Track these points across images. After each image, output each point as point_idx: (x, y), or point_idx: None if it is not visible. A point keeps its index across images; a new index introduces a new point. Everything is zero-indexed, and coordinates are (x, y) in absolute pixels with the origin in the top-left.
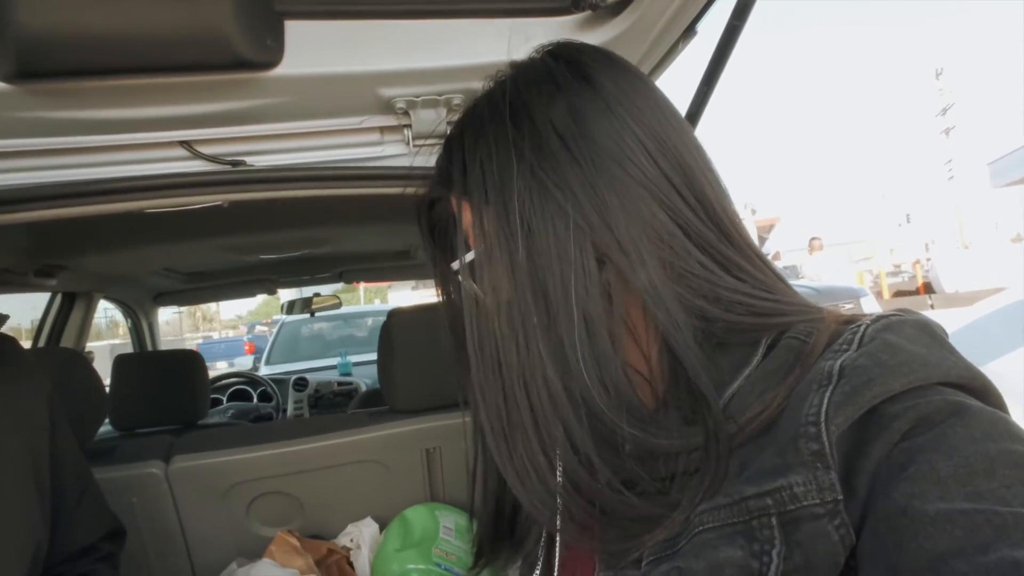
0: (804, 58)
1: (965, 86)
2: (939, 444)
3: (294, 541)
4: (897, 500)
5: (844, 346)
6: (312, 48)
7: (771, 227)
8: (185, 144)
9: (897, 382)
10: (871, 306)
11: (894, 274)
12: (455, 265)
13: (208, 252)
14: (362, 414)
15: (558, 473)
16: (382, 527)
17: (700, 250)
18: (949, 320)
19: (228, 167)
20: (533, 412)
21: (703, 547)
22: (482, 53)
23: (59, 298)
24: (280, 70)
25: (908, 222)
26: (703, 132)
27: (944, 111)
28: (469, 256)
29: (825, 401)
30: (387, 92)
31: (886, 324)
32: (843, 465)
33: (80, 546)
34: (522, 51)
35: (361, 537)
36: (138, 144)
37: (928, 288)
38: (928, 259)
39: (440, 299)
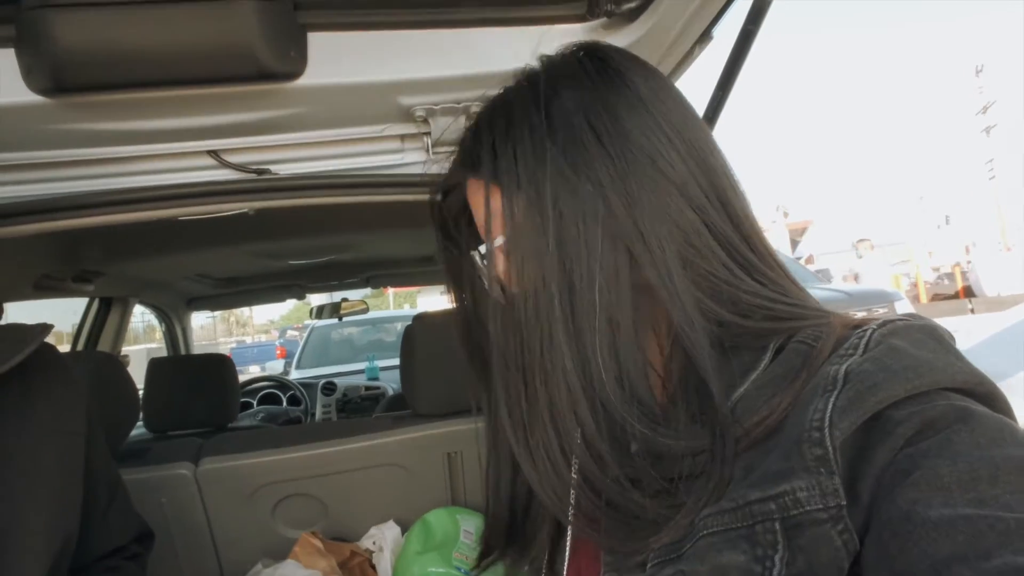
0: (838, 59)
1: (1006, 83)
2: (943, 450)
3: (318, 543)
4: (901, 505)
5: (850, 351)
6: (334, 58)
7: (804, 230)
8: (213, 153)
9: (902, 387)
10: (906, 310)
11: (936, 278)
12: (481, 249)
13: (238, 258)
14: (385, 418)
15: (573, 466)
16: (404, 530)
17: (724, 251)
18: (990, 324)
19: (253, 175)
20: (551, 403)
21: (707, 551)
22: (500, 61)
23: (96, 303)
24: (303, 80)
25: (947, 224)
26: (719, 136)
27: (984, 109)
28: (498, 241)
29: (829, 406)
30: (407, 100)
31: (892, 329)
32: (848, 470)
33: (109, 548)
34: (534, 60)
35: (383, 540)
36: (168, 154)
37: (968, 292)
38: (968, 262)
39: (451, 297)
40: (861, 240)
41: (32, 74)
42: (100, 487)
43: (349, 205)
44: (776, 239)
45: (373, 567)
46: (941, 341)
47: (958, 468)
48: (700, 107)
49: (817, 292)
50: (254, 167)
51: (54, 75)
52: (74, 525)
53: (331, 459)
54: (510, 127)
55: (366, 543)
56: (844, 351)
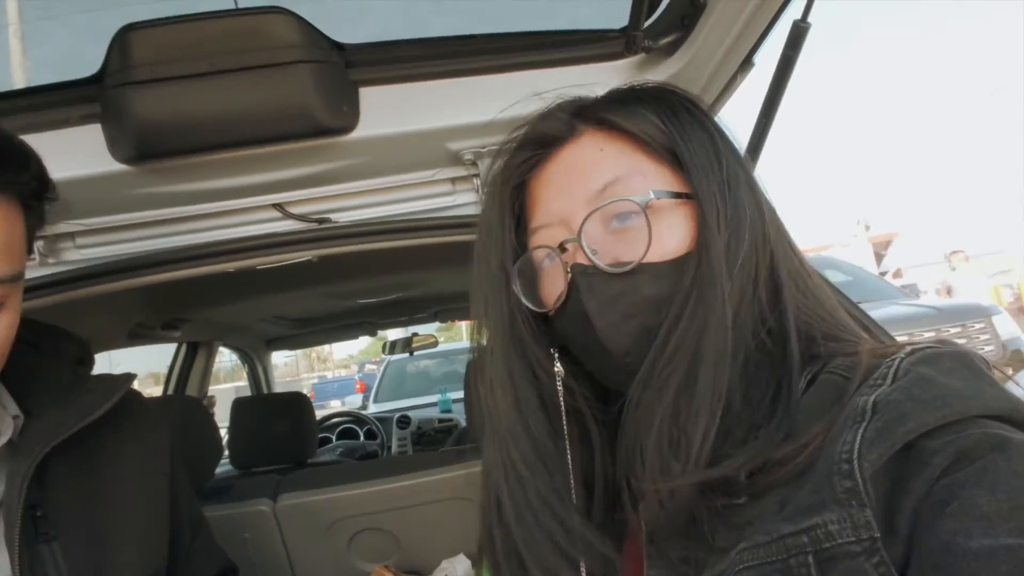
0: (920, 63)
1: None
2: (981, 479)
3: None
4: (941, 537)
5: (879, 381)
6: (385, 110)
7: (888, 243)
8: (277, 206)
9: (931, 416)
10: (1005, 325)
11: None
12: (658, 200)
13: (311, 299)
14: (451, 452)
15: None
16: (474, 563)
17: (789, 262)
18: None
19: (315, 225)
20: (690, 374)
21: None
22: (543, 102)
23: (184, 347)
24: (357, 133)
25: None
26: (772, 155)
27: None
28: (658, 199)
29: (858, 438)
30: (455, 145)
31: (921, 357)
32: (884, 503)
33: None
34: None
35: (454, 573)
36: (238, 209)
37: None
38: None
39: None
40: (954, 252)
41: (116, 145)
42: (184, 524)
43: (407, 247)
44: (858, 254)
45: None
46: (972, 368)
47: (997, 498)
48: (745, 133)
49: (903, 309)
50: (315, 217)
51: (136, 145)
52: (162, 560)
53: (401, 493)
54: (676, 112)
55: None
56: (873, 381)
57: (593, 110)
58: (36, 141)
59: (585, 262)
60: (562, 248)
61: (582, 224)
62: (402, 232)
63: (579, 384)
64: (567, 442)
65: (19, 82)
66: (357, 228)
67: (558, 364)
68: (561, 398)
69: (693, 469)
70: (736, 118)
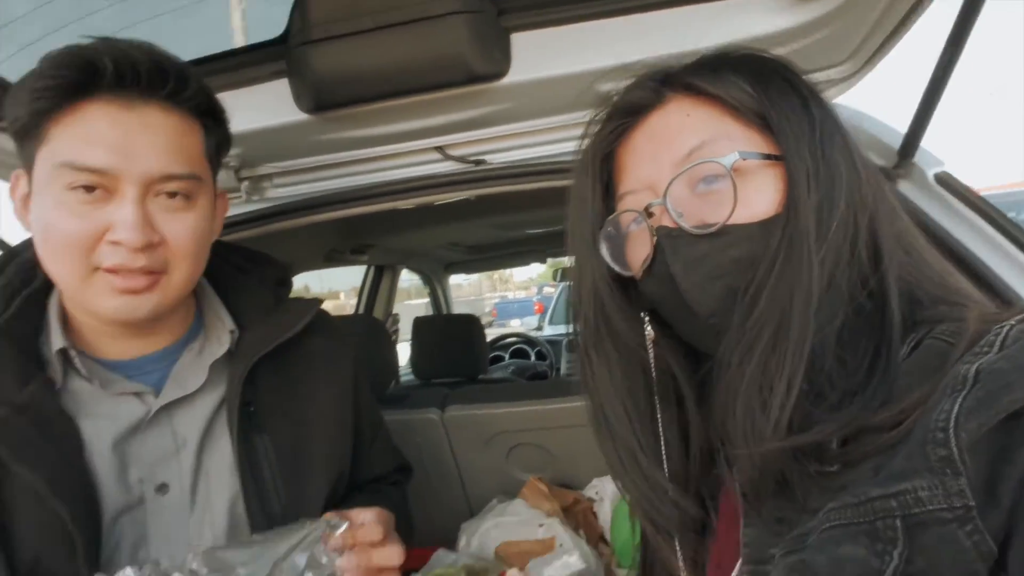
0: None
1: None
2: None
3: (543, 487)
4: None
5: (984, 348)
6: (536, 55)
7: None
8: (439, 149)
9: None
10: None
11: None
12: (744, 161)
13: (481, 230)
14: None
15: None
16: None
17: (892, 224)
18: None
19: (472, 166)
20: (777, 337)
21: (827, 543)
22: (691, 40)
23: (371, 270)
24: (509, 78)
25: None
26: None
27: None
28: (744, 160)
29: (956, 407)
30: (604, 87)
31: None
32: (985, 472)
33: (374, 475)
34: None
35: (604, 491)
36: (403, 152)
37: None
38: None
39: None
40: None
41: (300, 98)
42: (366, 426)
43: (561, 187)
44: None
45: (595, 515)
46: None
47: None
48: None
49: None
50: (472, 158)
51: (315, 97)
52: (347, 455)
53: (556, 415)
54: (768, 76)
55: (589, 492)
56: (979, 348)
57: (680, 76)
58: (234, 97)
59: (671, 224)
60: (648, 212)
61: (667, 187)
62: (553, 173)
63: (670, 347)
64: (657, 402)
65: (239, 42)
66: (511, 169)
67: (648, 327)
68: (652, 360)
69: (780, 432)
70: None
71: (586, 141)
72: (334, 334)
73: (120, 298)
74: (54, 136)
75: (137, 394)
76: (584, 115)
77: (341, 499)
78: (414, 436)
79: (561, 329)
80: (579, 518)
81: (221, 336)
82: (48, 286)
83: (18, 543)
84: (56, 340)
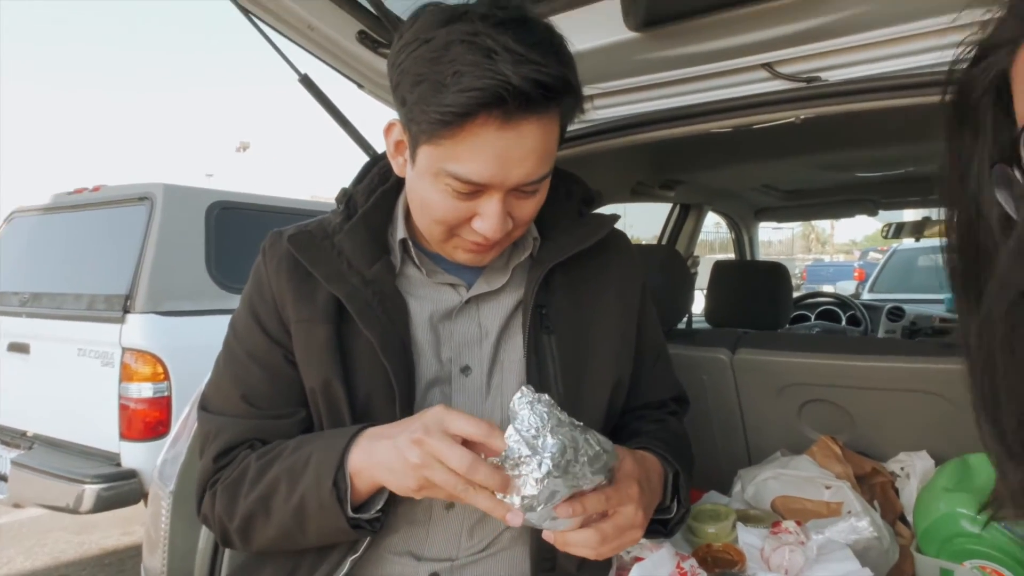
0: None
1: None
2: None
3: (837, 449)
4: None
5: None
6: None
7: None
8: (766, 66)
9: None
10: None
11: None
12: None
13: (803, 169)
14: (931, 343)
15: None
16: (937, 463)
17: None
18: None
19: (803, 84)
20: None
21: None
22: None
23: (677, 209)
24: None
25: None
26: None
27: None
28: None
29: None
30: None
31: None
32: None
33: (651, 399)
34: None
35: (912, 468)
36: (728, 70)
37: None
38: None
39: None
40: None
41: (629, 15)
42: (647, 349)
43: (920, 108)
44: None
45: (895, 491)
46: None
47: None
48: None
49: None
50: (804, 76)
51: (646, 11)
52: (627, 369)
53: (863, 373)
54: None
55: (892, 466)
56: None
57: None
58: (568, 19)
59: None
60: None
61: None
62: (904, 90)
63: None
64: None
65: None
66: (850, 86)
67: None
68: None
69: None
70: None
71: (972, 51)
72: (627, 253)
73: (470, 254)
74: (443, 142)
75: (453, 285)
76: (953, 19)
77: (621, 422)
78: (699, 374)
79: (884, 296)
80: (876, 491)
81: (526, 241)
82: (400, 185)
83: (358, 381)
84: (399, 231)
